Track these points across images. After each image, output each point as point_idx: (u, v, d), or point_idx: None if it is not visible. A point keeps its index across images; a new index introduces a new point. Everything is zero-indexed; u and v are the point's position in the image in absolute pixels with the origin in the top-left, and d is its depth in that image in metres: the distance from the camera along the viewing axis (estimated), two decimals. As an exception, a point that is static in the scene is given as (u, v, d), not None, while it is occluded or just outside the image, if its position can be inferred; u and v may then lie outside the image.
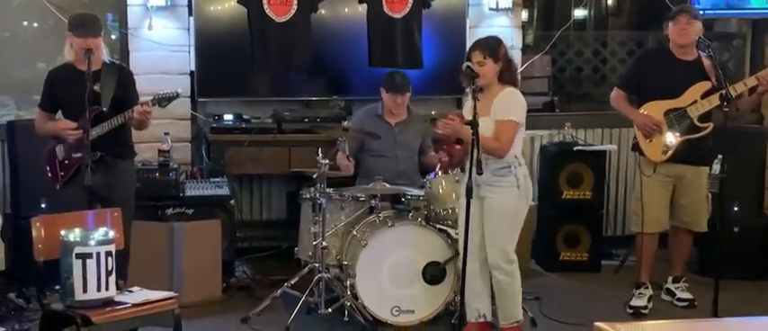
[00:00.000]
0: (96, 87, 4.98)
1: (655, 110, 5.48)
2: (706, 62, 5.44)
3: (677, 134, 5.42)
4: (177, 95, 5.10)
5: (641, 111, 5.55)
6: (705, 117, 5.43)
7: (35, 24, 6.75)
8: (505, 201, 4.75)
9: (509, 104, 4.73)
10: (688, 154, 5.46)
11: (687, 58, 5.51)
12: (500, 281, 4.81)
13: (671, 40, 5.57)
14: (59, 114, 5.23)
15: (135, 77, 5.28)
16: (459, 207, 4.92)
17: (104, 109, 5.01)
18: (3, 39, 6.74)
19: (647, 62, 5.76)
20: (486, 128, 4.65)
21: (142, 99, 5.07)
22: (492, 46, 4.77)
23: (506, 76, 4.80)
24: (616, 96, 5.71)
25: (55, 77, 5.18)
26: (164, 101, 5.07)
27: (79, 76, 4.95)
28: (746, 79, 5.47)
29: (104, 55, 5.12)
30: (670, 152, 5.44)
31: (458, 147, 5.18)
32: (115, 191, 5.01)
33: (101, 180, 4.85)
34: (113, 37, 6.50)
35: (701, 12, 6.39)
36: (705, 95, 5.39)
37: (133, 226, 5.14)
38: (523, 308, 5.06)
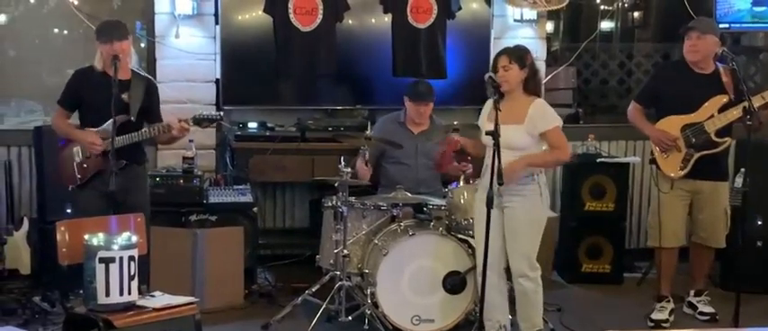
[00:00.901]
0: (125, 96, 5.03)
1: (671, 125, 5.45)
2: (725, 75, 5.41)
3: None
4: (220, 118, 5.16)
5: (658, 126, 5.53)
6: (723, 132, 5.39)
7: (65, 32, 6.83)
8: (529, 209, 4.78)
9: (547, 112, 4.80)
10: (706, 169, 5.43)
11: (705, 71, 5.48)
12: (526, 289, 4.82)
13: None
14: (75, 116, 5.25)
15: (162, 85, 5.32)
16: (477, 215, 4.93)
17: (132, 119, 5.06)
18: (33, 45, 6.82)
19: (663, 75, 5.76)
20: (512, 136, 4.67)
21: (181, 116, 5.09)
22: (519, 53, 4.84)
23: (531, 85, 4.85)
24: (633, 110, 5.69)
25: (83, 79, 5.17)
26: (204, 121, 5.13)
27: (108, 82, 4.99)
28: (764, 92, 5.39)
29: (133, 63, 5.16)
30: (688, 168, 5.42)
31: (464, 164, 5.34)
32: (131, 195, 5.04)
33: (119, 184, 4.89)
34: (142, 44, 6.57)
35: (728, 25, 6.39)
36: (722, 109, 5.35)
37: (157, 232, 5.18)
38: (544, 319, 5.07)
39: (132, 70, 5.18)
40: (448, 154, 5.23)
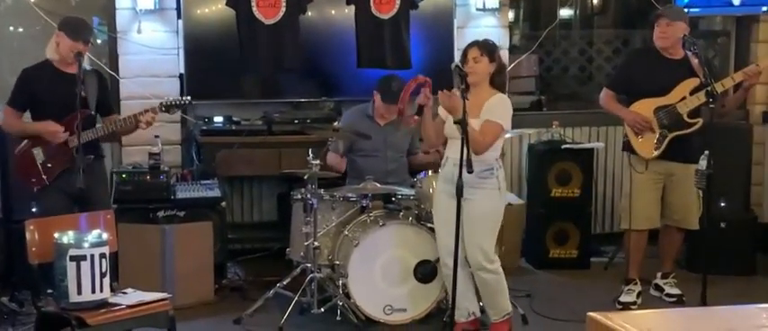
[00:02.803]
0: (81, 91, 5.00)
1: (644, 107, 5.52)
2: (693, 60, 5.48)
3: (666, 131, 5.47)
4: (188, 102, 5.16)
5: (631, 108, 5.59)
6: (694, 113, 5.47)
7: (21, 29, 6.74)
8: (488, 203, 4.81)
9: (501, 110, 4.81)
10: (678, 151, 5.50)
11: (675, 57, 5.57)
12: (486, 280, 4.86)
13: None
14: (28, 115, 5.21)
15: (125, 81, 5.29)
16: (437, 206, 4.95)
17: (93, 113, 5.03)
18: (-10, 43, 6.74)
19: (635, 61, 5.82)
20: (473, 129, 4.68)
21: (146, 105, 5.09)
22: (490, 47, 4.88)
23: (497, 80, 4.89)
24: (605, 96, 5.75)
25: (35, 76, 5.12)
26: (172, 107, 5.12)
27: (63, 78, 4.96)
28: (734, 74, 5.52)
29: (85, 62, 5.12)
30: (662, 148, 5.49)
31: (415, 117, 4.96)
32: (94, 190, 5.02)
33: (85, 180, 4.85)
34: (99, 41, 6.49)
35: (686, 10, 6.45)
36: (693, 92, 5.43)
37: (125, 228, 5.14)
38: (514, 305, 5.11)
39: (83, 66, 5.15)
40: (409, 88, 5.00)
